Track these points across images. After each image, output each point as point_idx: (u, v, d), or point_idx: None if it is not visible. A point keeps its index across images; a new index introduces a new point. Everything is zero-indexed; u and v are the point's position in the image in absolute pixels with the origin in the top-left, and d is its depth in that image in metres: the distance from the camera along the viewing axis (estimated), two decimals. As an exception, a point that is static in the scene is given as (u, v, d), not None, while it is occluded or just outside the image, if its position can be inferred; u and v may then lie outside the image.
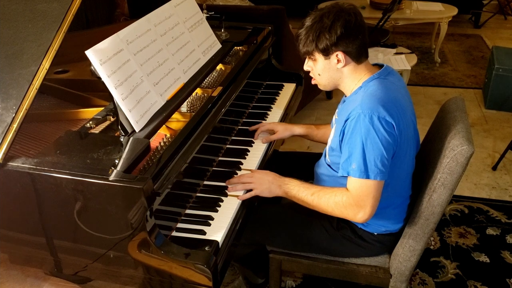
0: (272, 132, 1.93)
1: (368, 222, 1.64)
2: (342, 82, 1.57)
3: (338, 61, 1.50)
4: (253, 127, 1.94)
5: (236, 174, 1.69)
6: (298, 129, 1.94)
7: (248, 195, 1.59)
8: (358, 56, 1.50)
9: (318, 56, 1.52)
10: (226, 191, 1.60)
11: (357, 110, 1.44)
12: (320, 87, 1.62)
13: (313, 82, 1.63)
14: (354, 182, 1.46)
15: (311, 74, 1.61)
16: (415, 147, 1.62)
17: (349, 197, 1.48)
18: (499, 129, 3.54)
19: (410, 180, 1.65)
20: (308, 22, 1.50)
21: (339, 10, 1.47)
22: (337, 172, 1.59)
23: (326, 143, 1.82)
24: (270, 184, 1.60)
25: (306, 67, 1.60)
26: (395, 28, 4.99)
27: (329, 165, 1.66)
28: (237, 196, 1.58)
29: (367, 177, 1.43)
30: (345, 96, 1.62)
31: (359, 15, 1.48)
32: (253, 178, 1.62)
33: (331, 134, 1.64)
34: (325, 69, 1.54)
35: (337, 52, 1.48)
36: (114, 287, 1.46)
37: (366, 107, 1.42)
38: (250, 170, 1.71)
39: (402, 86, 1.59)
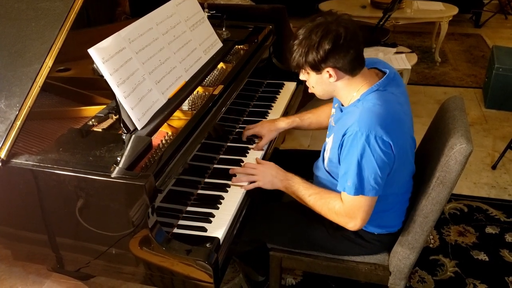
0: (259, 134, 1.91)
1: (368, 224, 1.64)
2: (337, 93, 1.55)
3: (330, 76, 1.47)
4: (242, 136, 1.92)
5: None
6: (282, 124, 1.93)
7: (252, 186, 1.64)
8: (351, 69, 1.47)
9: (310, 71, 1.50)
10: (229, 182, 1.64)
11: (355, 127, 1.42)
12: (318, 96, 1.60)
13: (309, 91, 1.62)
14: (348, 197, 1.48)
15: (307, 84, 1.60)
16: (414, 153, 1.62)
17: (341, 207, 1.51)
18: (499, 129, 3.55)
19: (411, 183, 1.66)
20: (299, 35, 1.46)
21: (329, 23, 1.42)
22: (334, 179, 1.62)
23: (319, 128, 1.87)
24: (273, 178, 1.65)
25: (301, 77, 1.58)
26: (395, 27, 5.00)
27: (328, 172, 1.67)
28: (241, 186, 1.64)
29: (361, 193, 1.45)
30: (342, 106, 1.60)
31: (350, 28, 1.42)
32: (257, 170, 1.66)
33: (329, 143, 1.63)
34: (318, 82, 1.52)
35: (327, 69, 1.46)
36: (116, 283, 1.47)
37: (364, 125, 1.41)
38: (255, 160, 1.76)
39: (402, 93, 1.56)
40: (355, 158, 1.43)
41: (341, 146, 1.50)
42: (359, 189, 1.44)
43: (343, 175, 1.48)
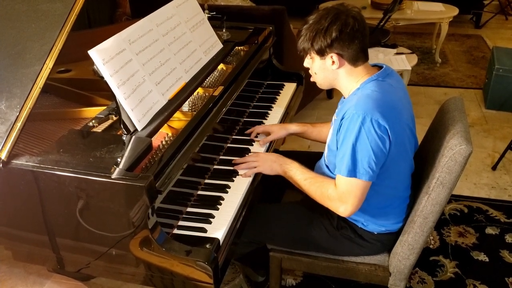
0: (268, 134, 1.95)
1: (368, 222, 1.65)
2: (338, 82, 1.59)
3: (333, 62, 1.51)
4: (249, 131, 1.95)
5: (237, 172, 1.71)
6: (293, 127, 1.96)
7: (251, 171, 1.69)
8: (354, 59, 1.52)
9: (314, 55, 1.54)
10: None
11: (351, 110, 1.46)
12: (318, 85, 1.64)
13: (311, 79, 1.65)
14: (341, 179, 1.50)
15: (309, 72, 1.63)
16: (413, 148, 1.63)
17: (333, 191, 1.53)
18: (499, 129, 3.55)
19: (410, 180, 1.67)
20: (309, 20, 1.52)
21: (339, 12, 1.48)
22: (332, 173, 1.63)
23: (322, 142, 1.85)
24: (272, 163, 1.70)
25: (305, 63, 1.62)
26: (395, 28, 5.00)
27: (327, 166, 1.68)
28: (242, 174, 1.69)
29: (354, 176, 1.46)
30: (344, 98, 1.64)
31: (359, 19, 1.48)
32: (258, 158, 1.72)
33: (329, 134, 1.66)
34: (320, 68, 1.56)
35: (331, 54, 1.50)
36: (116, 284, 1.48)
37: (360, 108, 1.44)
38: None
39: (401, 88, 1.60)
40: (350, 140, 1.45)
41: (339, 129, 1.52)
42: (352, 171, 1.46)
43: (341, 159, 1.49)
